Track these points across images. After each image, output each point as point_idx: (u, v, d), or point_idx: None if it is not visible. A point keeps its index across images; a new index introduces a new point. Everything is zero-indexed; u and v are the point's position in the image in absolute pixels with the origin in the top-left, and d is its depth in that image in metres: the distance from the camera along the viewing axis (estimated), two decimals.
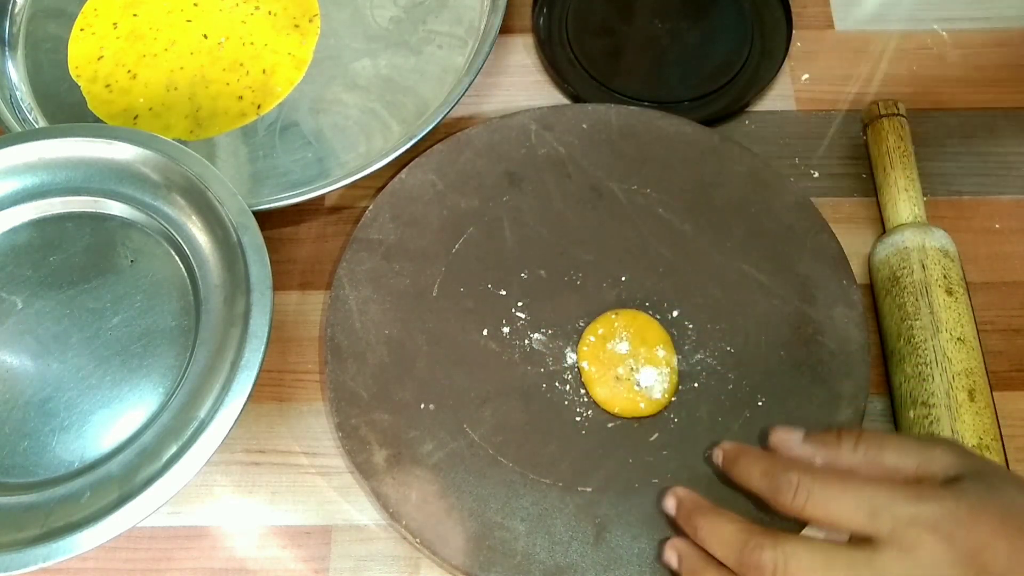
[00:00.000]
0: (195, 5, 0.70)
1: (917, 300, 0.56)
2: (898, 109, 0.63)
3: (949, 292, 0.56)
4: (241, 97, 0.66)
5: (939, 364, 0.54)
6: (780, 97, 0.68)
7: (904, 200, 0.60)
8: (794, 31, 0.69)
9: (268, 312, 0.49)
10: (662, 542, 0.50)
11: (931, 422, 0.52)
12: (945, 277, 0.56)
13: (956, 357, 0.54)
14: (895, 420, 0.55)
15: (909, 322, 0.56)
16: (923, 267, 0.57)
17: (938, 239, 0.58)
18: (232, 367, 0.47)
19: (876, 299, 0.59)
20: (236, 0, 0.70)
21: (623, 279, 0.59)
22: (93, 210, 0.55)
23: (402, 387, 0.56)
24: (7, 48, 0.68)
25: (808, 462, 0.47)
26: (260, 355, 0.47)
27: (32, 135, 0.55)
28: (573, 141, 0.63)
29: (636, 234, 0.60)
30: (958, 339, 0.54)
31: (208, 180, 0.52)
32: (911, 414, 0.54)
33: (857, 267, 0.59)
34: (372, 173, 0.59)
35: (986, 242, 0.62)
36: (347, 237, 0.61)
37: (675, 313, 0.58)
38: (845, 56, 0.70)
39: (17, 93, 0.66)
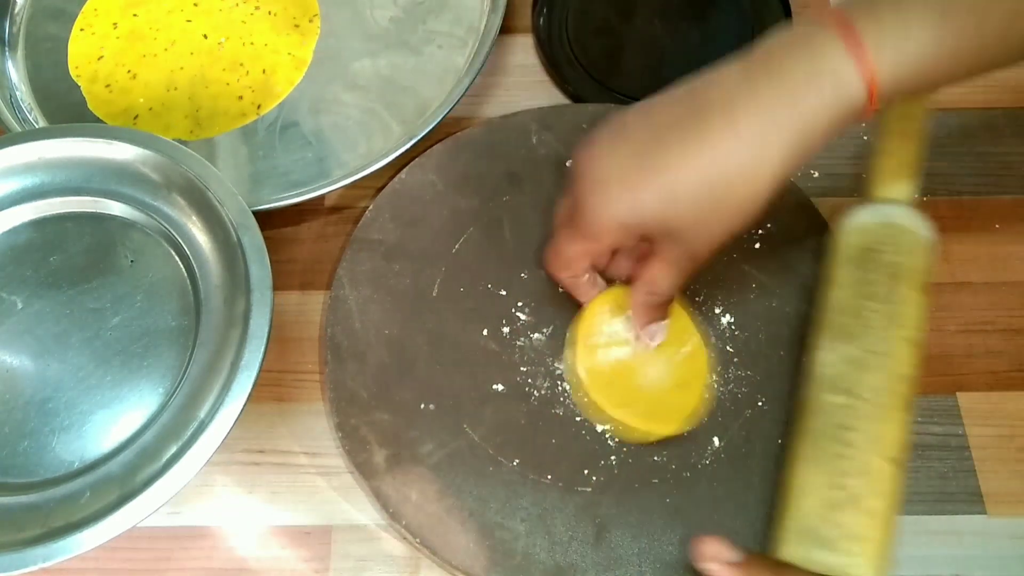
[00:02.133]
0: (195, 5, 0.70)
1: (890, 282, 0.51)
2: None
3: (924, 291, 0.52)
4: (241, 97, 0.66)
5: (890, 358, 0.50)
6: None
7: (905, 175, 0.56)
8: None
9: (268, 313, 0.49)
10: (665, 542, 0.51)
11: (850, 415, 0.49)
12: (926, 273, 0.53)
13: (907, 360, 0.50)
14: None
15: (871, 303, 0.51)
16: (910, 253, 0.53)
17: (930, 231, 0.54)
18: (232, 367, 0.47)
19: (833, 264, 0.55)
20: (236, 0, 0.70)
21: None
22: (93, 210, 0.55)
23: (402, 387, 0.56)
24: (7, 48, 0.68)
25: None
26: (260, 356, 0.47)
27: (32, 135, 0.55)
28: (573, 141, 0.63)
29: None
30: (914, 342, 0.51)
31: (208, 180, 0.52)
32: (828, 399, 0.50)
33: None
34: (372, 173, 0.60)
35: (986, 242, 0.62)
36: (347, 237, 0.61)
37: None
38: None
39: (17, 93, 0.66)
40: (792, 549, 0.47)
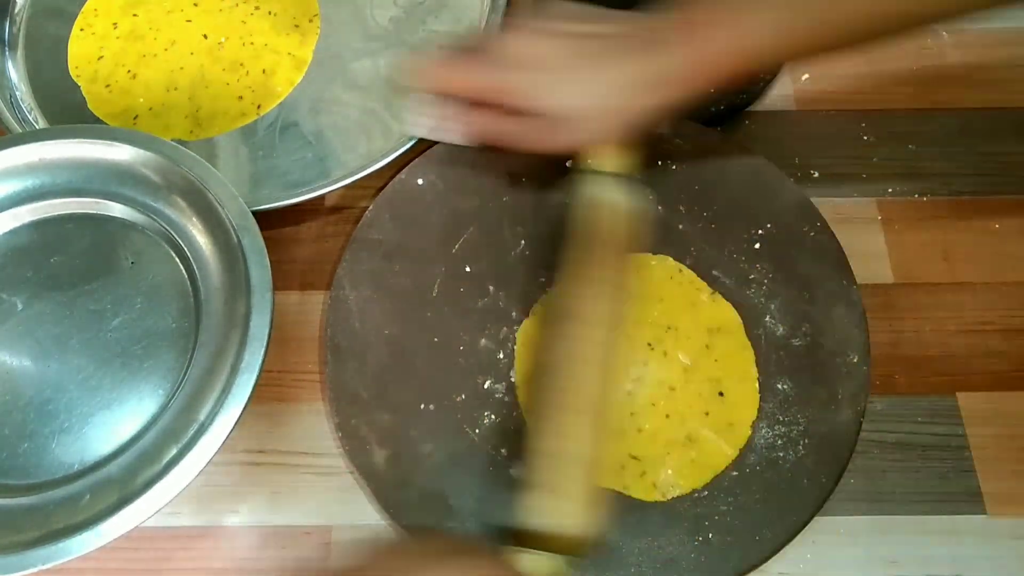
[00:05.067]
0: (195, 5, 0.70)
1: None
2: None
3: (624, 254, 0.55)
4: (241, 97, 0.66)
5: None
6: (780, 97, 0.68)
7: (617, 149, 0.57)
8: None
9: (268, 314, 0.49)
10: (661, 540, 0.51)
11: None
12: (628, 240, 0.55)
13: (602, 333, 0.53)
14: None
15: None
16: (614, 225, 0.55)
17: (634, 199, 0.56)
18: (232, 370, 0.47)
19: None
20: (236, 0, 0.70)
21: None
22: (93, 211, 0.55)
23: (402, 387, 0.56)
24: (7, 48, 0.68)
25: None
26: (260, 358, 0.47)
27: (32, 136, 0.55)
28: None
29: None
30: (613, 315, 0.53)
31: (208, 181, 0.52)
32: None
33: (857, 267, 0.59)
34: (372, 173, 0.59)
35: (986, 242, 0.62)
36: (347, 237, 0.61)
37: None
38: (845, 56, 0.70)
39: (17, 93, 0.66)
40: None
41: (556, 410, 0.49)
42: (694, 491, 0.52)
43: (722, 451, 0.53)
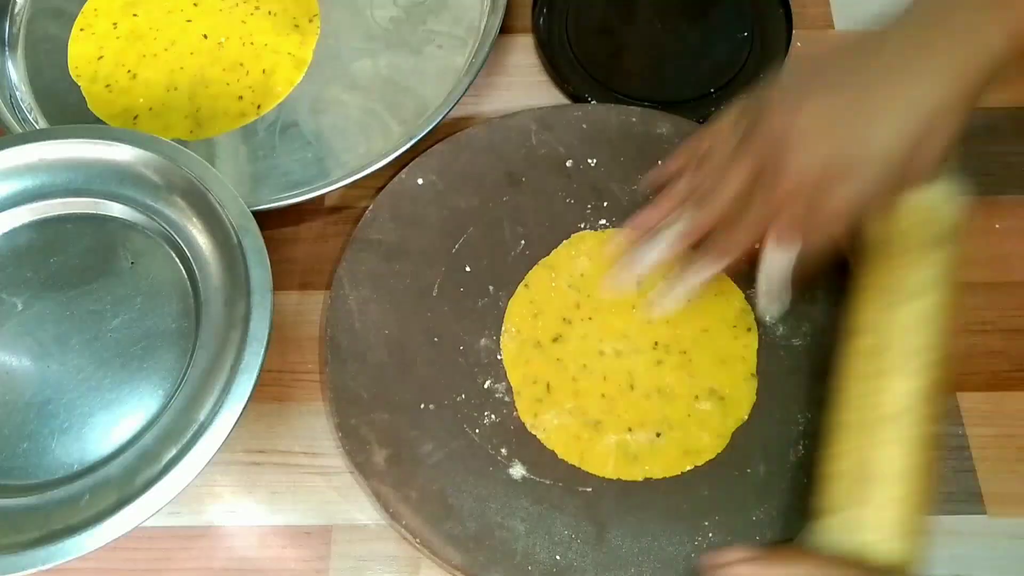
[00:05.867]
0: (195, 5, 0.70)
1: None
2: None
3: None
4: (241, 97, 0.66)
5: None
6: None
7: None
8: (794, 31, 0.69)
9: (268, 315, 0.49)
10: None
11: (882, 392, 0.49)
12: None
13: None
14: None
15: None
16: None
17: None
18: (232, 370, 0.47)
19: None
20: (236, 0, 0.70)
21: None
22: (93, 212, 0.55)
23: (402, 387, 0.56)
24: (7, 48, 0.68)
25: None
26: (260, 358, 0.47)
27: (33, 136, 0.55)
28: (573, 141, 0.63)
29: None
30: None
31: (209, 182, 0.52)
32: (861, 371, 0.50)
33: None
34: (372, 173, 0.60)
35: (986, 242, 0.62)
36: (347, 237, 0.61)
37: None
38: None
39: (17, 93, 0.66)
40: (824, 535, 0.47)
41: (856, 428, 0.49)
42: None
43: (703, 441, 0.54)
